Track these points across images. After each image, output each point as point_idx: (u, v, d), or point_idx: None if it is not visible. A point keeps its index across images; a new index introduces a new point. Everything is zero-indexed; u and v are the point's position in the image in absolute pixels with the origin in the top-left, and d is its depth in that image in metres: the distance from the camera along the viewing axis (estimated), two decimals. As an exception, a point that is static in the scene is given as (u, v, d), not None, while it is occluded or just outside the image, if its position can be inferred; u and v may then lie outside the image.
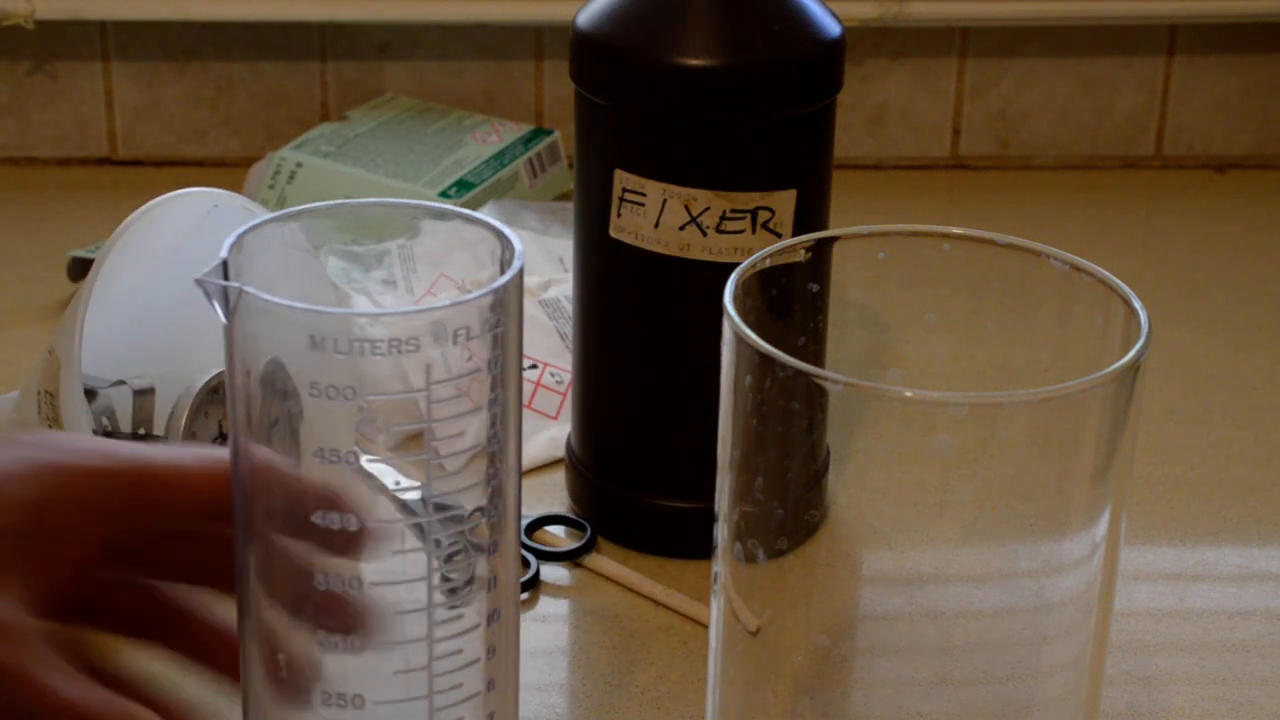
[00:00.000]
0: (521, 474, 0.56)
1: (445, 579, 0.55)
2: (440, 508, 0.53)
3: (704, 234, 0.72)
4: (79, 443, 0.57)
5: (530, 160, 1.06)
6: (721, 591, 0.58)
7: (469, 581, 0.55)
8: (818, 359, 0.63)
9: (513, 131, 1.08)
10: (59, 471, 0.55)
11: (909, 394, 0.52)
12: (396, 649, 0.55)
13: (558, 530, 0.78)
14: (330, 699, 0.54)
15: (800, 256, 0.59)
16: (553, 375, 0.86)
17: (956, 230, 0.59)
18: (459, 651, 0.55)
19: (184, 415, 0.74)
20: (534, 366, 0.86)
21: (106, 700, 0.54)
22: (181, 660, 0.58)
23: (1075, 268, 0.58)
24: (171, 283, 0.74)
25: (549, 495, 0.81)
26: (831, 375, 0.52)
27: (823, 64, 0.72)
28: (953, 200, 1.14)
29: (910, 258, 0.60)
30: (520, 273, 0.53)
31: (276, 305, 0.51)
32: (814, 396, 0.53)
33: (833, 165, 0.75)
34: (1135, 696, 0.70)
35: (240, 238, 0.53)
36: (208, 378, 0.75)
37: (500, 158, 1.05)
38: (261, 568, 0.54)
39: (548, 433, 0.84)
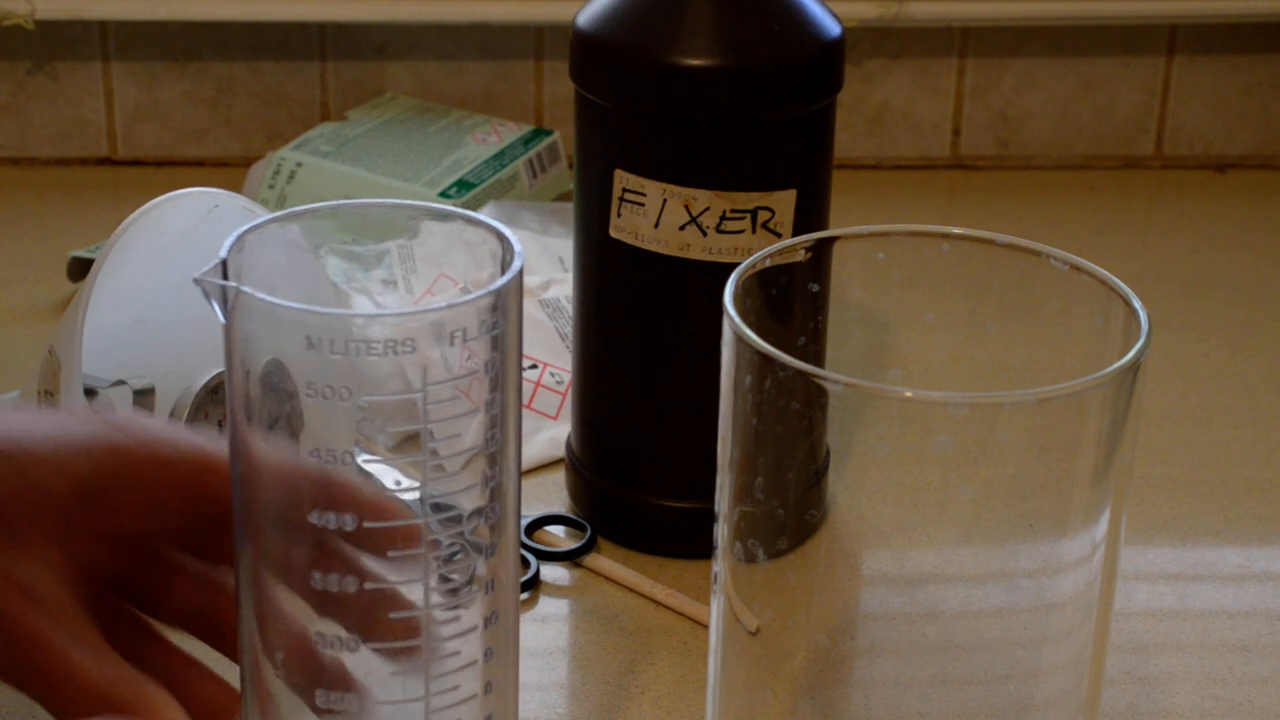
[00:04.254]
0: (521, 474, 0.56)
1: (444, 580, 0.55)
2: (439, 508, 0.53)
3: (704, 234, 0.72)
4: (151, 429, 0.58)
5: (530, 160, 1.06)
6: (721, 591, 0.58)
7: (468, 582, 0.55)
8: (818, 359, 0.63)
9: (513, 132, 1.08)
10: (122, 453, 0.56)
11: (909, 394, 0.52)
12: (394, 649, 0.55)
13: (558, 530, 0.78)
14: (329, 699, 0.54)
15: (800, 256, 0.59)
16: (553, 375, 0.86)
17: (956, 230, 0.59)
18: (456, 653, 0.55)
19: (184, 415, 0.74)
20: (534, 366, 0.86)
21: (120, 680, 0.54)
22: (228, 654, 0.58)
23: (1075, 268, 0.57)
24: (171, 282, 0.74)
25: (549, 495, 0.81)
26: (831, 375, 0.52)
27: (823, 64, 0.72)
28: (953, 200, 1.14)
29: (910, 258, 0.60)
30: (520, 274, 0.53)
31: (274, 305, 0.51)
32: (814, 396, 0.53)
33: (833, 165, 0.75)
34: (1135, 696, 0.70)
35: (241, 238, 0.53)
36: (208, 378, 0.75)
37: (500, 158, 1.05)
38: (258, 564, 0.54)
39: (548, 433, 0.84)
